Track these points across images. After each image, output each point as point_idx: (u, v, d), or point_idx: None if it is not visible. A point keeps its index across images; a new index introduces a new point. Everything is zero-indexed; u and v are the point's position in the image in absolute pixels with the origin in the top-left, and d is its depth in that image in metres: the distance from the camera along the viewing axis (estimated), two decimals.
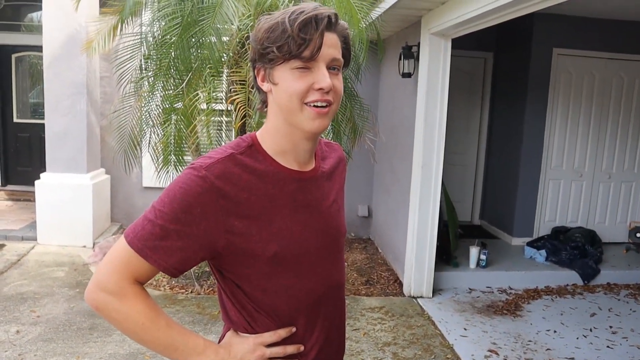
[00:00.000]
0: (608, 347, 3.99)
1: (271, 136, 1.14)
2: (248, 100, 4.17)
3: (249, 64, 4.04)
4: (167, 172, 4.25)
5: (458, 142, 6.57)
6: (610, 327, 4.33)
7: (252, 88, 4.05)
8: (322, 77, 1.05)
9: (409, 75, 4.81)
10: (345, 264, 5.37)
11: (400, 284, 4.92)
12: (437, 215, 4.60)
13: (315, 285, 1.19)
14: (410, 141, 4.76)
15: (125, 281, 1.05)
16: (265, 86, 1.11)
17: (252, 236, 1.07)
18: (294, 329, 1.16)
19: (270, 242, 1.09)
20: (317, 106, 1.06)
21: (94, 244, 5.59)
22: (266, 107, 1.15)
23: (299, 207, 1.15)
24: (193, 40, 3.77)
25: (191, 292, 4.54)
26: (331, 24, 1.06)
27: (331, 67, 1.08)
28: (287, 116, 1.09)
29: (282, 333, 1.15)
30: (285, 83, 1.06)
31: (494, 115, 6.69)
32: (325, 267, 1.21)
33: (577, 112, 6.01)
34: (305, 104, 1.06)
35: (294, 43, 1.02)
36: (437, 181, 4.56)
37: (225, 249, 1.07)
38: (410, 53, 4.78)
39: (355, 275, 5.15)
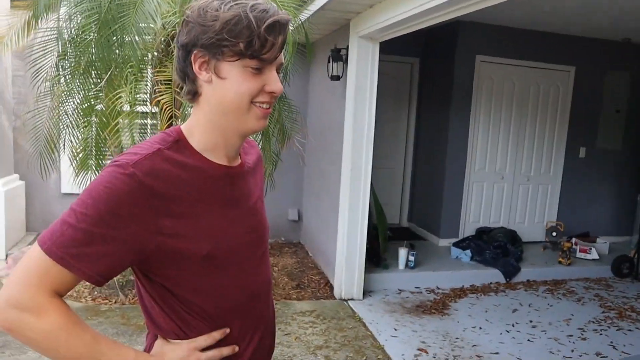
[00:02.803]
0: (529, 340, 4.16)
1: (202, 131, 1.08)
2: (174, 100, 4.04)
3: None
4: (86, 177, 4.04)
5: (386, 146, 6.67)
6: (531, 321, 4.52)
7: (178, 88, 3.93)
8: (275, 81, 1.04)
9: (337, 78, 4.83)
10: (276, 268, 5.33)
11: (331, 287, 4.91)
12: (366, 218, 4.64)
13: (248, 283, 1.15)
14: (340, 144, 4.78)
15: (43, 295, 0.94)
16: (204, 76, 1.03)
17: (184, 236, 1.01)
18: (227, 330, 1.11)
19: (202, 241, 1.03)
20: (263, 107, 1.05)
21: (6, 255, 5.22)
22: (197, 97, 1.07)
23: (229, 203, 1.11)
24: (114, 38, 3.60)
25: (115, 302, 4.32)
26: (287, 29, 1.04)
27: (277, 71, 1.07)
28: (230, 113, 1.04)
29: (216, 335, 1.09)
30: (236, 80, 1.01)
31: (420, 119, 6.86)
32: (256, 264, 1.19)
33: (498, 117, 6.28)
34: (253, 103, 1.04)
35: (259, 43, 0.98)
36: (366, 184, 4.60)
37: (155, 251, 1.00)
38: (339, 56, 4.81)
39: (285, 279, 5.10)
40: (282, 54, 1.06)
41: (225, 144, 1.09)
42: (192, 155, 1.06)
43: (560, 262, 5.82)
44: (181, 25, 1.05)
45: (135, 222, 0.96)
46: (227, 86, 1.02)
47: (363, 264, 4.67)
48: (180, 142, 1.06)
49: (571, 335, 4.32)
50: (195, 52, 1.01)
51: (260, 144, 4.15)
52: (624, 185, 6.96)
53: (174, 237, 1.00)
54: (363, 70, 4.51)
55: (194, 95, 1.07)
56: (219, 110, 1.05)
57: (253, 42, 0.98)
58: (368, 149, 4.58)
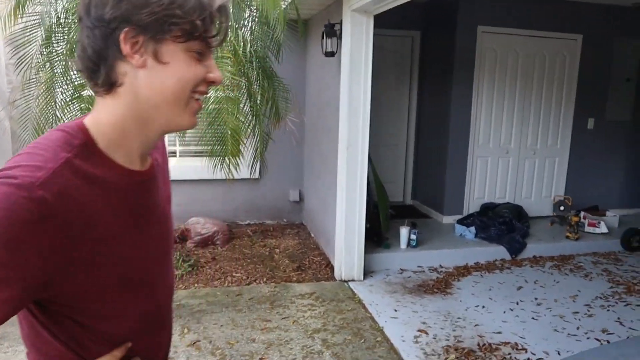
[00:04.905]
0: (533, 318, 4.06)
1: (118, 128, 0.89)
2: None
3: None
4: None
5: (387, 123, 6.54)
6: (536, 299, 4.42)
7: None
8: (217, 69, 0.91)
9: (332, 54, 4.70)
10: (277, 250, 5.27)
11: (332, 268, 4.84)
12: (364, 196, 4.54)
13: (158, 296, 1.05)
14: (336, 122, 4.66)
15: None
16: (137, 60, 0.84)
17: (95, 264, 0.85)
18: (129, 344, 0.98)
19: (116, 266, 0.89)
20: (199, 99, 0.92)
21: None
22: (117, 86, 0.87)
23: (141, 214, 0.96)
24: None
25: None
26: (229, 15, 0.92)
27: None
28: (165, 104, 0.88)
29: (117, 354, 0.96)
30: (181, 65, 0.86)
31: (423, 94, 6.69)
32: (165, 273, 1.07)
33: (502, 90, 6.10)
34: (192, 94, 0.90)
35: (210, 23, 0.86)
36: (364, 162, 4.49)
37: (60, 284, 0.82)
38: (333, 31, 4.66)
39: (286, 261, 5.03)
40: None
41: (143, 142, 0.93)
42: (102, 163, 0.88)
43: (567, 237, 5.68)
44: None
45: (38, 255, 0.76)
46: (169, 72, 0.86)
47: (362, 244, 4.58)
48: (88, 146, 0.87)
49: (577, 312, 4.22)
50: (126, 30, 0.83)
51: (252, 123, 4.05)
52: (635, 156, 6.77)
53: (85, 266, 0.84)
54: (357, 45, 4.36)
55: (111, 85, 0.87)
56: (150, 102, 0.87)
57: (205, 22, 0.85)
58: (365, 126, 4.46)
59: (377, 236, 5.08)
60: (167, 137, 5.44)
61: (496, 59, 6.01)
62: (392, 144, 6.64)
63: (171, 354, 3.26)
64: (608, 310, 4.31)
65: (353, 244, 4.56)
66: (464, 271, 4.94)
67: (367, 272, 4.73)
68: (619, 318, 4.12)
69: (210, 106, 3.82)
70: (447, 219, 6.00)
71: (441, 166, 6.09)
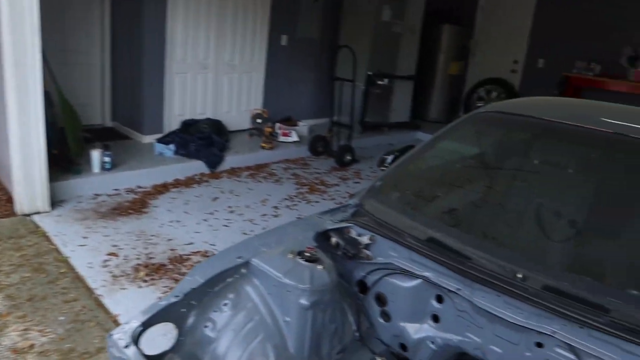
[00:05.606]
0: (225, 226, 4.35)
1: None
2: None
3: None
4: None
5: (76, 39, 5.91)
6: (229, 207, 4.72)
7: None
8: None
9: None
10: None
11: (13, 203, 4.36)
12: (42, 120, 4.08)
13: None
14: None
15: None
16: None
17: None
18: None
19: None
20: None
21: None
22: None
23: None
24: None
25: None
26: None
27: None
28: None
29: None
30: None
31: (115, 10, 6.19)
32: None
33: (199, 5, 6.00)
34: None
35: None
36: (37, 82, 4.01)
37: None
38: None
39: None
40: None
41: None
42: None
43: (263, 147, 6.15)
44: None
45: None
46: None
47: (44, 173, 4.18)
48: None
49: (265, 215, 4.66)
50: None
51: None
52: (322, 71, 7.52)
53: None
54: None
55: None
56: None
57: None
58: (35, 42, 3.95)
59: (67, 162, 4.70)
60: None
61: None
62: (84, 62, 6.05)
63: None
64: (292, 209, 4.87)
65: (33, 174, 4.13)
66: (162, 189, 4.95)
67: (57, 202, 4.38)
68: (300, 215, 4.68)
69: None
70: (148, 139, 5.85)
71: (138, 85, 5.84)
